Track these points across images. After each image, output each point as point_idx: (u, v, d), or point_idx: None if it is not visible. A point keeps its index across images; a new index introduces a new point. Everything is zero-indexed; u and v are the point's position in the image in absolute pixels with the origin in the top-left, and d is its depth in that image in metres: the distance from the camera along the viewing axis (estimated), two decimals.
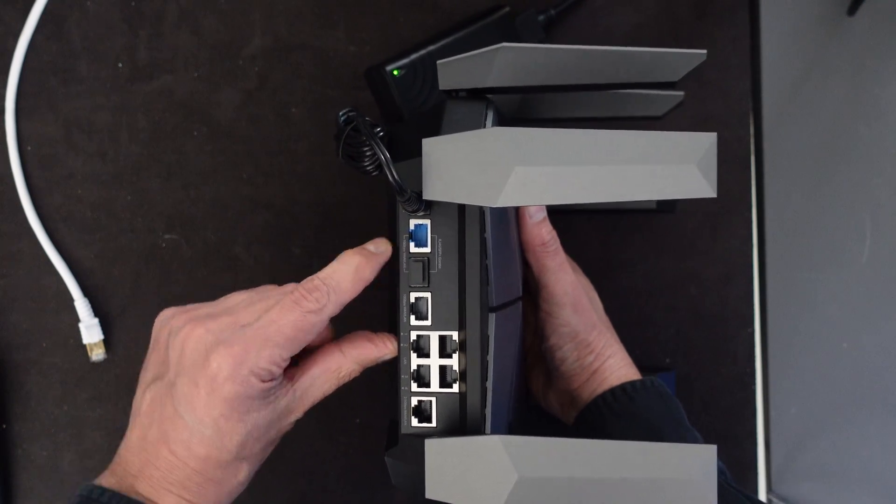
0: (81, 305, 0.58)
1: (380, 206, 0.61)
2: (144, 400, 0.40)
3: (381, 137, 0.36)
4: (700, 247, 0.62)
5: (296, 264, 0.60)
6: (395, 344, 0.41)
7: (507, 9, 0.58)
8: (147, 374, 0.41)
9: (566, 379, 0.49)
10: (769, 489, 0.67)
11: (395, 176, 0.36)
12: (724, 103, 0.62)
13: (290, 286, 0.40)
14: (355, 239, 0.60)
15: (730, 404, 0.63)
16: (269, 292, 0.41)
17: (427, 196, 0.36)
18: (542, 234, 0.47)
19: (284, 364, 0.39)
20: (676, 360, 0.62)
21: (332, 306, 0.39)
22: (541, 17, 0.59)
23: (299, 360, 0.42)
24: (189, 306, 0.41)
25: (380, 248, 0.41)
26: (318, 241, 0.60)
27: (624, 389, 0.47)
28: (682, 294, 0.62)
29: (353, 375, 0.42)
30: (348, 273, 0.40)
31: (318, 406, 0.61)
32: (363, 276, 0.40)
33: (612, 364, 0.48)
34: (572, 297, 0.48)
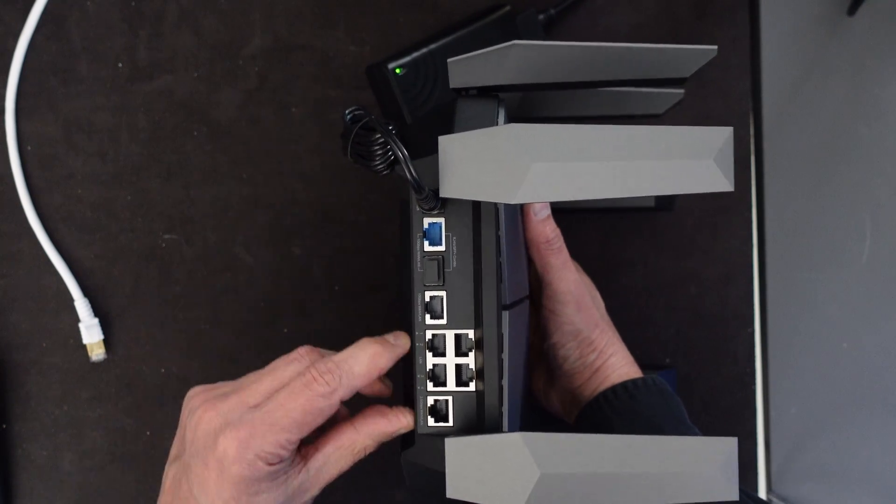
0: (81, 305, 0.58)
1: (380, 205, 0.61)
2: (167, 477, 0.41)
3: (395, 135, 0.36)
4: (700, 246, 0.62)
5: (296, 264, 0.60)
6: (410, 417, 0.41)
7: (507, 8, 0.58)
8: (173, 451, 0.42)
9: (568, 377, 0.49)
10: (769, 489, 0.67)
11: (414, 173, 0.35)
12: (724, 103, 0.62)
13: (302, 354, 0.40)
14: (355, 239, 0.60)
15: (730, 404, 0.63)
16: (280, 368, 0.40)
17: (444, 193, 0.36)
18: (546, 231, 0.47)
19: (292, 447, 0.38)
20: (676, 360, 0.62)
21: (344, 391, 0.39)
22: (541, 17, 0.59)
23: (313, 438, 0.41)
24: (212, 386, 0.41)
25: (399, 341, 0.40)
26: (318, 241, 0.60)
27: (625, 387, 0.47)
28: (682, 294, 0.62)
29: (368, 451, 0.42)
30: (364, 359, 0.39)
31: None
32: (379, 364, 0.39)
33: (614, 362, 0.48)
34: (575, 294, 0.48)
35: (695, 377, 0.62)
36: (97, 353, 0.59)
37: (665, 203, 0.60)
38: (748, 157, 0.63)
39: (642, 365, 0.51)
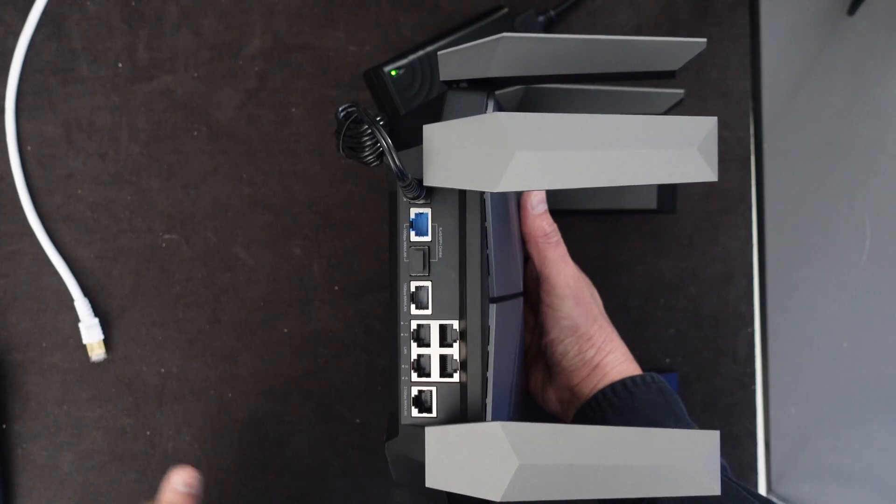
0: (81, 305, 0.58)
1: (379, 205, 0.61)
2: None
3: (382, 126, 0.36)
4: (700, 247, 0.62)
5: (296, 264, 0.60)
6: None
7: (505, 9, 0.58)
8: None
9: (567, 374, 0.49)
10: (769, 489, 0.67)
11: (397, 161, 0.35)
12: (724, 103, 0.62)
13: None
14: (355, 239, 0.60)
15: (730, 404, 0.63)
16: None
17: (427, 182, 0.36)
18: (543, 225, 0.47)
19: None
20: (676, 360, 0.62)
21: None
22: (540, 18, 0.59)
23: None
24: None
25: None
26: (318, 241, 0.60)
27: (624, 384, 0.47)
28: (682, 294, 0.62)
29: None
30: None
31: (319, 406, 0.61)
32: None
33: (612, 359, 0.48)
34: (574, 288, 0.48)
35: (695, 377, 0.62)
36: (97, 353, 0.59)
37: (667, 205, 0.60)
38: (748, 157, 0.63)
39: (642, 367, 0.51)
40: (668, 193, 0.60)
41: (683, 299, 0.62)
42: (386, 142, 0.35)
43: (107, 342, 0.59)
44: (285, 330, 0.60)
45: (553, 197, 0.49)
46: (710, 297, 0.62)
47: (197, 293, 0.60)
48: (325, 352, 0.61)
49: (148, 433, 0.60)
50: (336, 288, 0.60)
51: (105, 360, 0.59)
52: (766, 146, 0.65)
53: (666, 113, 0.54)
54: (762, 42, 0.64)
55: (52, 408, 0.59)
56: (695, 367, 0.62)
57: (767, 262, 0.64)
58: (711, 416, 0.62)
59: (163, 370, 0.60)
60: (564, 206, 0.58)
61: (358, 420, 0.61)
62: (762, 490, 0.65)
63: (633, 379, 0.47)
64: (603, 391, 0.47)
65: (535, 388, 0.53)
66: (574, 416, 0.49)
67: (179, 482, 0.46)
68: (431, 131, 0.35)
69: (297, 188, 0.60)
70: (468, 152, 0.34)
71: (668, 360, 0.62)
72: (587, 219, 0.62)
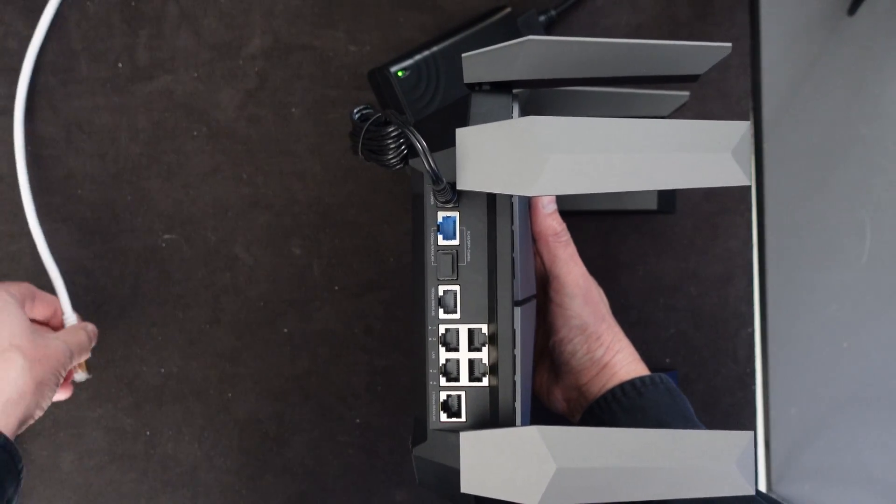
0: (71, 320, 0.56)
1: (379, 205, 0.61)
2: None
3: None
4: (700, 247, 0.62)
5: (296, 264, 0.60)
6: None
7: (508, 9, 0.58)
8: None
9: (576, 373, 0.49)
10: (769, 489, 0.67)
11: (434, 164, 0.35)
12: (724, 103, 0.62)
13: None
14: (355, 239, 0.60)
15: (730, 404, 0.63)
16: None
17: (462, 186, 0.36)
18: (553, 224, 0.48)
19: None
20: (676, 360, 0.62)
21: None
22: (542, 18, 0.59)
23: None
24: None
25: None
26: (318, 241, 0.60)
27: (633, 384, 0.47)
28: (682, 294, 0.62)
29: None
30: None
31: (319, 406, 0.61)
32: None
33: (621, 359, 0.48)
34: (583, 287, 0.48)
35: (695, 377, 0.62)
36: (79, 374, 0.56)
37: (667, 205, 0.60)
38: (748, 157, 0.63)
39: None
40: (667, 194, 0.60)
41: (683, 299, 0.62)
42: (422, 145, 0.35)
43: (107, 342, 0.59)
44: (285, 330, 0.60)
45: (556, 197, 0.49)
46: (710, 297, 0.62)
47: (197, 293, 0.60)
48: (325, 352, 0.61)
49: (148, 433, 0.60)
50: (336, 288, 0.60)
51: (104, 362, 0.59)
52: (766, 146, 0.65)
53: (672, 114, 0.53)
54: (762, 42, 0.64)
55: (52, 408, 0.59)
56: (695, 367, 0.62)
57: (767, 262, 0.64)
58: (711, 416, 0.63)
59: (163, 370, 0.60)
60: (565, 207, 0.58)
61: (358, 420, 0.61)
62: (762, 490, 0.65)
63: (642, 379, 0.48)
64: (612, 391, 0.47)
65: (540, 387, 0.53)
66: (582, 415, 0.49)
67: (89, 327, 0.55)
68: (465, 135, 0.35)
69: (297, 188, 0.60)
70: (503, 156, 0.34)
71: (668, 360, 0.62)
72: (587, 219, 0.62)
